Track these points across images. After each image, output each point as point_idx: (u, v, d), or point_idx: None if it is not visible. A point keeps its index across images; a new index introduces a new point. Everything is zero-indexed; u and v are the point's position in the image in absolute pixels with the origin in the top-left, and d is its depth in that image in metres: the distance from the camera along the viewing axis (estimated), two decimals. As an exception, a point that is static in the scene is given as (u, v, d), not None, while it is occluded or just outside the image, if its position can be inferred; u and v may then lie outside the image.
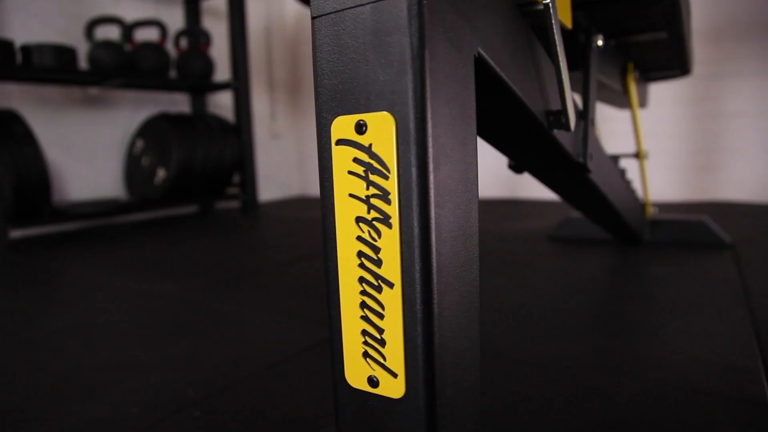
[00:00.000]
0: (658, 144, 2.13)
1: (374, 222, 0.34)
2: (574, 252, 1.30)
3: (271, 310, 0.95)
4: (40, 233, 1.91)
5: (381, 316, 0.35)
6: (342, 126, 0.35)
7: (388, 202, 0.33)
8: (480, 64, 0.39)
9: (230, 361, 0.73)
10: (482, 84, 0.43)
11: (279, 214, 2.31)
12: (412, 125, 0.32)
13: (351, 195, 0.35)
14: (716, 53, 2.03)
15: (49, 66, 1.74)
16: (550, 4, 0.46)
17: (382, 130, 0.33)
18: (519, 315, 0.86)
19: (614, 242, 1.37)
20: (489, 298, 0.96)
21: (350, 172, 0.35)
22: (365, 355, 0.36)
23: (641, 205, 1.27)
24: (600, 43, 0.68)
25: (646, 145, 2.13)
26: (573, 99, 0.54)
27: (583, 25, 0.68)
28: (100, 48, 1.88)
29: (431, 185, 0.32)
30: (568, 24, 0.58)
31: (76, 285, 1.20)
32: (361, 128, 0.34)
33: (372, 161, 0.33)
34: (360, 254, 0.35)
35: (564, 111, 0.53)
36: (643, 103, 1.33)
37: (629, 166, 1.62)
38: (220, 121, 2.21)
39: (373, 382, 0.36)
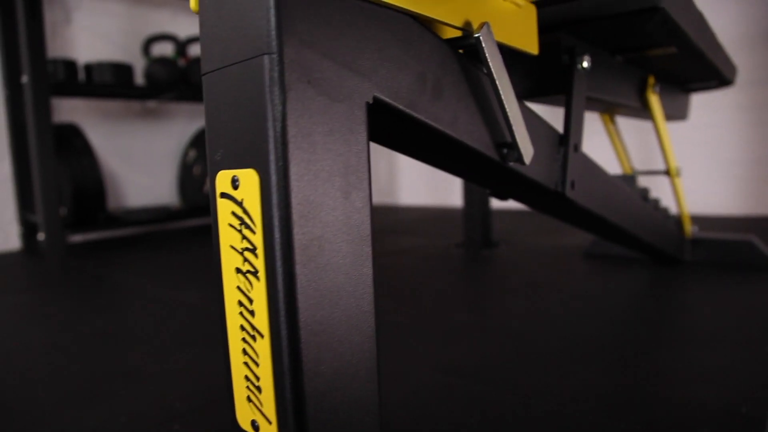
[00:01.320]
0: (714, 153, 1.99)
1: (247, 274, 0.35)
2: (607, 271, 1.24)
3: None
4: (99, 238, 2.04)
5: (257, 364, 0.35)
6: (223, 180, 0.35)
7: (256, 256, 0.33)
8: (382, 107, 0.38)
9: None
10: (396, 124, 0.42)
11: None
12: (273, 183, 0.32)
13: (231, 246, 0.36)
14: None
15: (108, 82, 1.86)
16: (481, 38, 0.44)
17: (249, 187, 0.33)
18: (524, 341, 0.83)
19: (652, 261, 1.30)
20: (499, 322, 0.93)
21: (230, 225, 0.35)
22: (248, 399, 0.37)
23: (675, 224, 1.19)
24: (585, 64, 0.65)
25: (701, 155, 2.00)
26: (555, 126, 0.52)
27: (567, 45, 0.65)
28: (156, 64, 1.99)
29: (295, 241, 0.32)
30: (533, 50, 0.56)
31: (115, 291, 1.27)
32: (235, 184, 0.34)
33: (244, 216, 0.34)
34: (239, 303, 0.36)
35: (515, 145, 0.50)
36: (682, 116, 1.25)
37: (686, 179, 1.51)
38: (267, 131, 2.28)
39: (254, 425, 0.37)
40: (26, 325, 1.05)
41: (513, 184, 0.59)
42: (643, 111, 0.97)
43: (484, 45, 0.45)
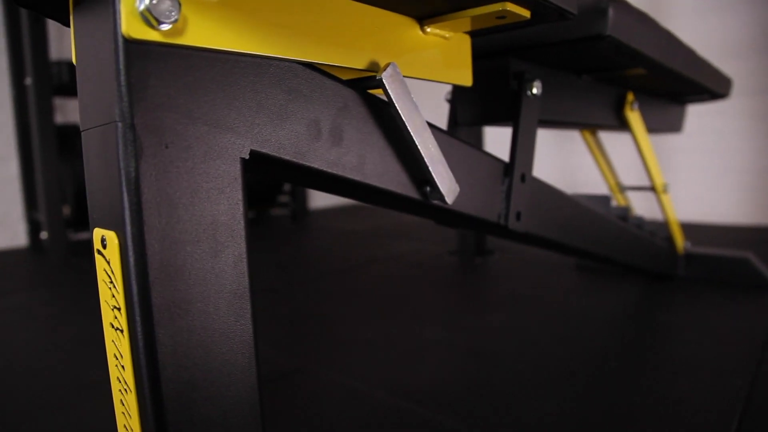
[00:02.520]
0: (724, 161, 1.93)
1: (117, 330, 0.35)
2: (596, 286, 1.22)
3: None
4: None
5: (129, 416, 0.36)
6: (97, 237, 0.36)
7: (121, 314, 0.34)
8: (262, 159, 0.38)
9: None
10: (289, 171, 0.42)
11: (326, 224, 2.36)
12: (130, 247, 0.32)
13: (105, 301, 0.36)
14: None
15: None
16: (385, 80, 0.43)
17: (113, 249, 0.33)
18: (492, 363, 0.82)
19: (645, 276, 1.27)
20: (471, 340, 0.92)
21: (103, 281, 0.35)
22: (126, 450, 0.37)
23: (665, 240, 1.16)
24: (535, 90, 0.63)
25: (710, 163, 1.94)
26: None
27: (516, 70, 0.64)
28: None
29: (154, 304, 0.32)
30: (466, 82, 0.55)
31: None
32: (103, 243, 0.35)
33: (111, 275, 0.34)
34: (114, 356, 0.36)
35: (433, 184, 0.49)
36: (675, 128, 1.21)
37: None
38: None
39: (131, 477, 0.37)
40: (13, 325, 1.08)
41: (448, 216, 0.58)
42: (623, 128, 0.94)
43: (388, 87, 0.44)
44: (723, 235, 1.82)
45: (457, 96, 0.69)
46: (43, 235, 1.68)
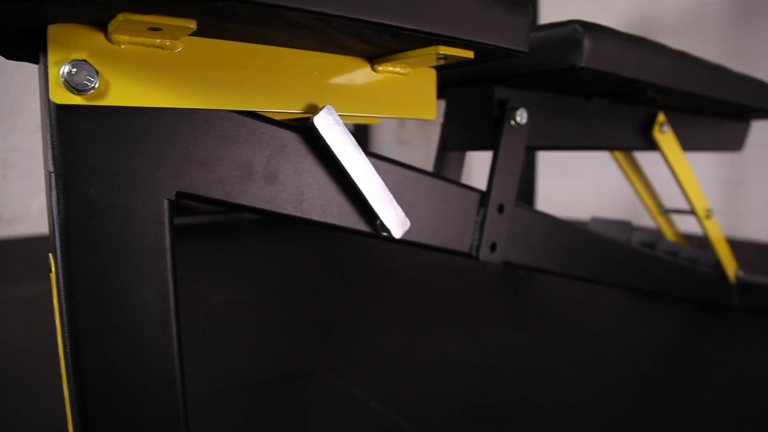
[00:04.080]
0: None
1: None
2: (640, 311, 1.16)
3: (280, 335, 1.03)
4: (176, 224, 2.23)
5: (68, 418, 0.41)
6: (51, 259, 0.40)
7: (58, 329, 0.39)
8: (191, 197, 0.41)
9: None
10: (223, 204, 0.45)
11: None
12: (61, 272, 0.36)
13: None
14: None
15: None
16: (316, 123, 0.45)
17: (54, 275, 0.38)
18: (497, 387, 0.82)
19: (698, 305, 1.19)
20: (486, 359, 0.92)
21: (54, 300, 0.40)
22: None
23: (708, 268, 1.08)
24: (519, 119, 0.62)
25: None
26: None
27: (500, 98, 0.62)
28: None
29: (80, 322, 0.37)
30: (429, 116, 0.55)
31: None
32: (50, 267, 0.39)
33: (54, 297, 0.39)
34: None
35: (378, 219, 0.50)
36: (735, 147, 1.12)
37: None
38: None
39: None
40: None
41: (413, 246, 0.59)
42: (654, 150, 0.89)
43: (320, 129, 0.45)
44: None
45: (446, 121, 0.69)
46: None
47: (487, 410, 0.74)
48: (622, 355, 0.93)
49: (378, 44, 0.44)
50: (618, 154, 0.98)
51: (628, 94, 0.71)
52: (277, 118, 0.50)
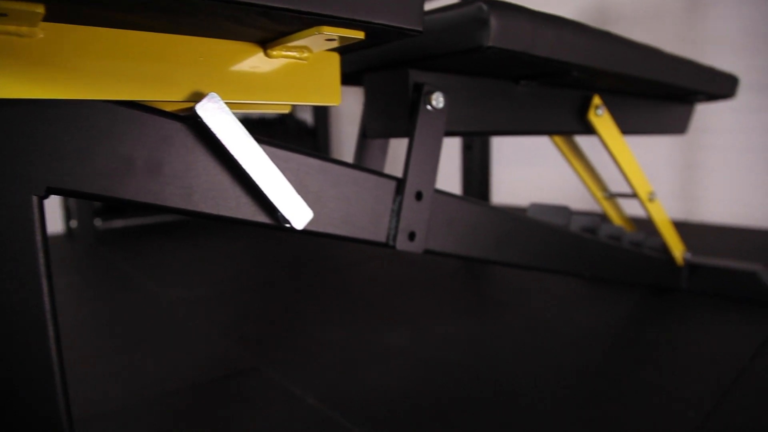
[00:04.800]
0: (765, 160, 1.76)
1: None
2: (592, 297, 1.16)
3: (226, 333, 1.01)
4: (143, 223, 2.19)
5: None
6: None
7: None
8: (66, 192, 0.39)
9: (145, 381, 0.80)
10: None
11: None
12: None
13: None
14: None
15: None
16: (199, 111, 0.43)
17: None
18: (441, 378, 0.81)
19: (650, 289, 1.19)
20: (429, 349, 0.90)
21: None
22: None
23: (655, 251, 1.08)
24: (436, 103, 0.60)
25: (749, 162, 1.78)
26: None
27: (415, 82, 0.61)
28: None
29: None
30: (333, 101, 0.53)
31: (116, 282, 1.38)
32: None
33: None
34: None
35: (275, 209, 0.48)
36: (678, 129, 1.11)
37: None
38: (298, 124, 2.32)
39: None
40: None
41: (325, 237, 0.57)
42: (590, 133, 0.88)
43: (204, 118, 0.43)
44: (760, 240, 1.67)
45: (366, 108, 0.67)
46: (73, 223, 1.79)
47: (429, 404, 0.73)
48: (569, 342, 0.92)
49: (258, 27, 0.42)
50: (558, 139, 0.97)
51: (554, 76, 0.69)
52: (168, 108, 0.48)
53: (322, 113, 2.37)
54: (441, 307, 1.12)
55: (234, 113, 0.47)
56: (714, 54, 1.81)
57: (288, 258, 1.62)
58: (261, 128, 2.23)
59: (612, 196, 1.07)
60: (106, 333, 1.03)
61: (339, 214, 0.54)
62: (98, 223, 1.87)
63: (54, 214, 2.03)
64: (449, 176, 2.66)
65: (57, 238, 1.95)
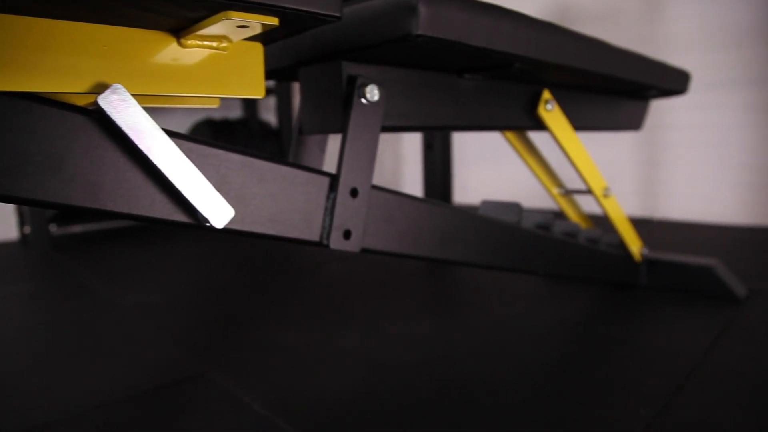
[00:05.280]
0: (725, 156, 1.79)
1: None
2: (549, 294, 1.15)
3: (178, 338, 0.97)
4: (100, 228, 2.13)
5: None
6: None
7: None
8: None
9: (74, 394, 0.76)
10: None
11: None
12: None
13: None
14: None
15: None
16: (102, 103, 0.40)
17: None
18: (391, 381, 0.79)
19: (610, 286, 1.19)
20: (384, 351, 0.88)
21: None
22: None
23: (612, 247, 1.07)
24: (371, 96, 0.58)
25: (708, 159, 1.80)
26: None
27: (349, 74, 0.59)
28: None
29: None
30: (257, 94, 0.51)
31: (68, 289, 1.33)
32: None
33: None
34: None
35: (194, 207, 0.46)
36: (633, 126, 1.11)
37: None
38: (262, 126, 2.28)
39: None
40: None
41: (253, 237, 0.54)
42: (541, 129, 0.87)
43: (108, 111, 0.40)
44: (720, 236, 1.69)
45: (302, 104, 0.65)
46: (26, 229, 1.73)
47: (379, 407, 0.71)
48: (526, 341, 0.91)
49: (164, 13, 0.40)
50: (510, 134, 0.96)
51: (497, 69, 0.68)
52: (80, 102, 0.45)
53: (286, 114, 2.33)
54: (398, 308, 1.10)
55: (152, 109, 0.45)
56: (672, 53, 1.83)
57: (249, 261, 1.59)
58: (224, 130, 2.19)
59: (568, 193, 1.07)
60: (52, 341, 0.99)
61: (265, 212, 0.52)
62: (53, 228, 1.81)
63: (8, 220, 1.96)
64: (413, 179, 2.65)
65: (10, 244, 1.88)
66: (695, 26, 1.81)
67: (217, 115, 2.32)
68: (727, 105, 1.78)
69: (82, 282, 1.39)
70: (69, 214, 1.88)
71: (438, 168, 1.45)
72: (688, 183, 1.89)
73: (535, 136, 1.09)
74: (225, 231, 0.50)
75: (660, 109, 1.88)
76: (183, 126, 2.36)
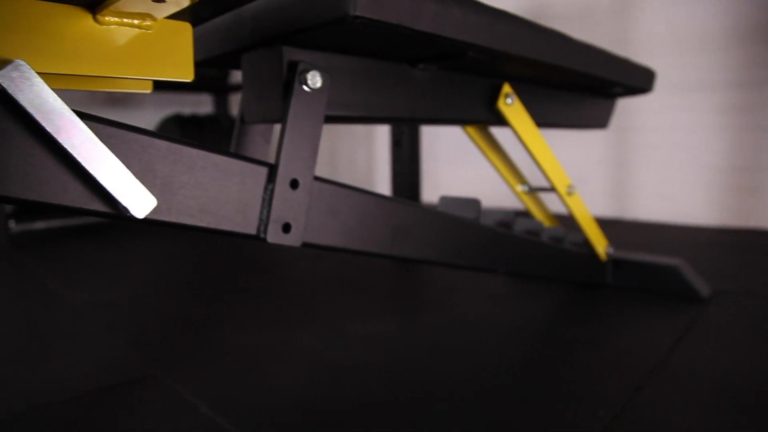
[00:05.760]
0: (695, 158, 1.80)
1: None
2: (517, 294, 1.13)
3: (131, 338, 0.93)
4: (64, 225, 2.07)
5: None
6: None
7: None
8: None
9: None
10: None
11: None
12: None
13: None
14: (765, 55, 1.64)
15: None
16: (1, 81, 0.37)
17: None
18: (343, 381, 0.76)
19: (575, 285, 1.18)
20: (340, 350, 0.85)
21: None
22: None
23: (577, 246, 1.06)
24: (312, 83, 0.55)
25: (680, 161, 1.80)
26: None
27: (290, 60, 0.56)
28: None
29: None
30: (185, 77, 0.48)
31: (21, 288, 1.28)
32: None
33: None
34: None
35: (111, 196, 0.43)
36: (599, 124, 1.10)
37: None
38: (232, 122, 2.24)
39: None
40: None
41: (187, 229, 0.51)
42: (501, 124, 0.85)
43: (8, 88, 0.37)
44: (687, 237, 1.70)
45: (244, 91, 0.62)
46: (-17, 226, 1.68)
47: (332, 409, 0.68)
48: (489, 341, 0.89)
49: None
50: (471, 130, 0.94)
51: (451, 58, 0.66)
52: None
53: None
54: (363, 307, 1.08)
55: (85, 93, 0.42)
56: (643, 55, 1.83)
57: (217, 259, 1.55)
58: (192, 126, 2.15)
59: (532, 191, 1.05)
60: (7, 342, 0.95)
61: (195, 203, 0.49)
62: (12, 225, 1.75)
63: (-34, 216, 1.89)
64: (387, 178, 2.63)
65: (-31, 242, 1.82)
66: (666, 29, 1.82)
67: (187, 111, 2.28)
68: (696, 107, 1.79)
69: (38, 280, 1.34)
70: (29, 209, 1.82)
71: (406, 165, 1.43)
72: (657, 184, 1.90)
73: (500, 134, 1.07)
74: (149, 222, 0.47)
75: (630, 110, 1.89)
76: (151, 122, 2.31)
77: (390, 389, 0.73)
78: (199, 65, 0.65)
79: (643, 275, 1.12)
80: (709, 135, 1.78)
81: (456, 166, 2.38)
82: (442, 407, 0.68)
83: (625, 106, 1.86)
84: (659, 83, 1.59)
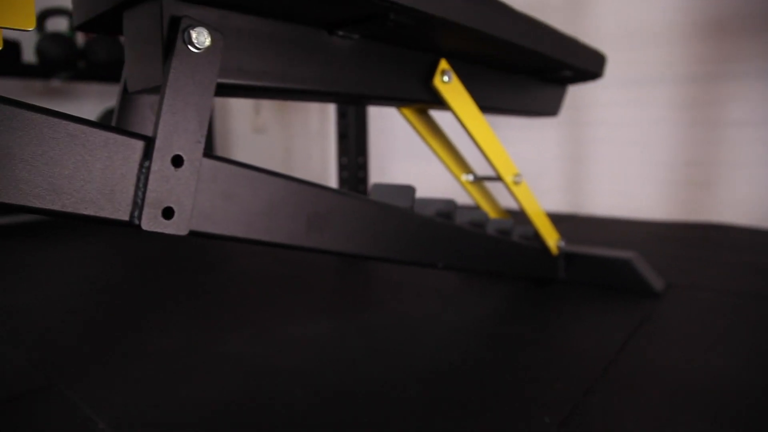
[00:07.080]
0: (647, 154, 1.78)
1: None
2: (465, 291, 1.06)
3: (35, 345, 0.83)
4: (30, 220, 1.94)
5: None
6: None
7: None
8: None
9: None
10: None
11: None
12: None
13: None
14: (716, 50, 1.62)
15: (-10, 60, 1.73)
16: None
17: None
18: (268, 388, 0.68)
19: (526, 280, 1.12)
20: (270, 355, 0.77)
21: None
22: None
23: (526, 239, 1.00)
24: (197, 43, 0.47)
25: (631, 156, 1.78)
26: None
27: (172, 15, 0.47)
28: (46, 40, 1.85)
29: None
30: (28, 25, 0.39)
31: None
32: None
33: None
34: None
35: None
36: (549, 111, 1.04)
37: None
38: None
39: None
40: None
41: (46, 214, 0.42)
42: (440, 104, 0.78)
43: None
44: (642, 231, 1.67)
45: (126, 56, 0.53)
46: None
47: (251, 420, 0.60)
48: (433, 341, 0.82)
49: None
50: (408, 112, 0.87)
51: (368, 21, 0.58)
52: None
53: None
54: (299, 307, 1.00)
55: None
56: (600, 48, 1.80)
57: (152, 258, 1.45)
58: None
59: (477, 180, 0.98)
60: None
61: (43, 182, 0.40)
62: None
63: None
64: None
65: None
66: (619, 23, 1.79)
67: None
68: (650, 102, 1.76)
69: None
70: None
71: (353, 158, 1.35)
72: (611, 179, 1.87)
73: (444, 122, 1.00)
74: (20, 206, 0.38)
75: (584, 105, 1.86)
76: (92, 114, 2.18)
77: (313, 396, 0.65)
78: (79, 29, 0.56)
79: (595, 270, 1.07)
80: (661, 130, 1.76)
81: (411, 161, 2.31)
82: (370, 417, 0.61)
83: (579, 101, 1.83)
84: (613, 78, 1.56)
